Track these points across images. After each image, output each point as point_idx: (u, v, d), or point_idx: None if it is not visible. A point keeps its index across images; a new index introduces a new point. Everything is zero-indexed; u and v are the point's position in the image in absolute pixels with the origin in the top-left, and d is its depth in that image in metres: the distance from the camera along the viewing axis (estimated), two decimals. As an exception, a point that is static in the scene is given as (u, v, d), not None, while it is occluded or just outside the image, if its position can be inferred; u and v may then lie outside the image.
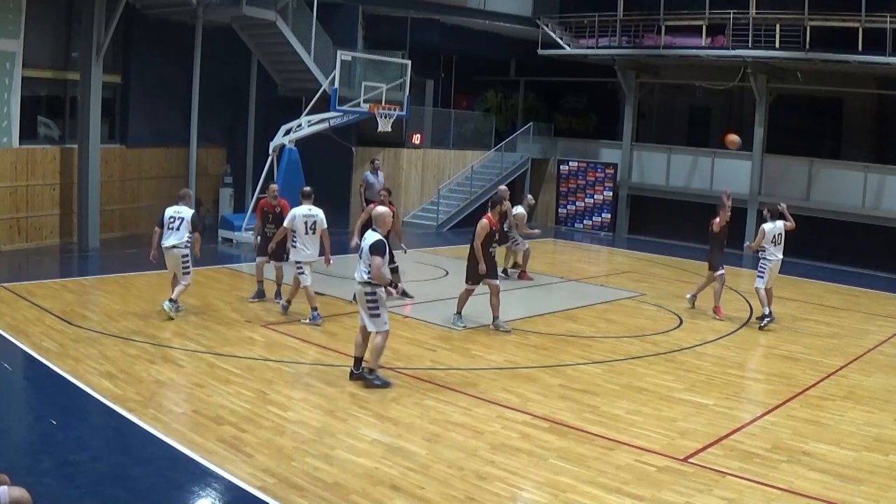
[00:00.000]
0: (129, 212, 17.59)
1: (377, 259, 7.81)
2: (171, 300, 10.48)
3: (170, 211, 10.59)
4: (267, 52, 18.75)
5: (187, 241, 10.43)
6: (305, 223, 10.63)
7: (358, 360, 8.27)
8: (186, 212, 10.54)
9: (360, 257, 8.09)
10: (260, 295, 11.78)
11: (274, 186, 12.14)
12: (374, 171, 17.26)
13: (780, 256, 11.83)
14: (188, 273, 10.56)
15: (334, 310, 11.57)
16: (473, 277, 10.58)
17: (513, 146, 23.70)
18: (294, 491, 5.78)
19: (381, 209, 8.66)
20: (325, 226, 10.77)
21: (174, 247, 10.42)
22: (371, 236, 8.07)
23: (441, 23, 22.15)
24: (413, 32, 21.32)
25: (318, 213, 10.77)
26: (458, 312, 10.89)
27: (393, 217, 11.55)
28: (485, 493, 5.91)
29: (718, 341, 10.99)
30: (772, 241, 11.70)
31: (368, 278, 7.94)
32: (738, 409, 8.15)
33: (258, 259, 11.80)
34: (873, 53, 17.19)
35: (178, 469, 6.12)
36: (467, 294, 10.82)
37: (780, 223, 11.81)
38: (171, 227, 10.47)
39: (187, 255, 10.47)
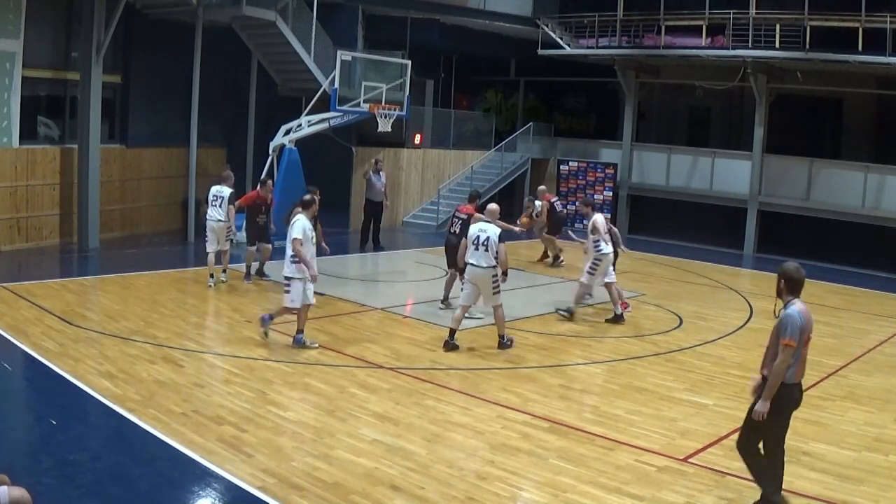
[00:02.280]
0: (129, 212, 17.58)
1: (504, 247, 9.57)
2: (223, 271, 12.82)
3: (213, 190, 12.64)
4: (267, 52, 18.74)
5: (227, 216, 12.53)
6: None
7: (453, 332, 9.72)
8: (226, 191, 12.47)
9: (481, 245, 9.52)
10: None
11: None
12: (377, 171, 17.28)
13: (612, 249, 11.74)
14: (230, 240, 12.80)
15: (335, 310, 11.57)
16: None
17: (513, 146, 23.69)
18: (294, 491, 5.78)
19: (492, 205, 10.12)
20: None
21: (218, 220, 12.44)
22: (493, 228, 9.62)
23: (441, 23, 22.14)
24: (413, 32, 21.30)
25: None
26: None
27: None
28: (485, 493, 5.91)
29: (718, 341, 10.99)
30: (607, 233, 11.62)
31: (496, 263, 9.52)
32: (738, 409, 8.10)
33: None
34: (873, 53, 17.17)
35: (178, 469, 6.13)
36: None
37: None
38: (213, 204, 12.48)
39: (230, 226, 12.61)
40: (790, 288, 5.73)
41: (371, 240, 17.45)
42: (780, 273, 5.77)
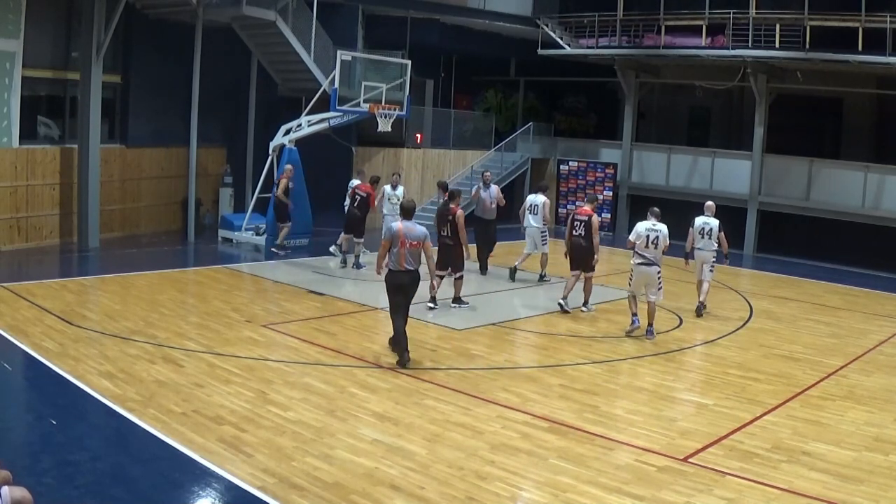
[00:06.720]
0: (129, 212, 17.58)
1: (723, 234, 12.25)
2: (336, 244, 15.30)
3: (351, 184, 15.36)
4: (267, 52, 18.73)
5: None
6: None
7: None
8: (354, 182, 15.14)
9: (707, 234, 12.20)
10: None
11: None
12: (486, 184, 15.40)
13: None
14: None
15: (335, 310, 11.58)
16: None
17: (513, 146, 23.66)
18: (294, 491, 5.78)
19: (710, 202, 12.70)
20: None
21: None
22: (714, 221, 12.26)
23: (441, 23, 22.12)
24: (413, 32, 21.30)
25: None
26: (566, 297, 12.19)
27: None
28: (485, 493, 5.91)
29: (718, 341, 10.99)
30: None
31: (717, 247, 12.26)
32: (738, 409, 8.14)
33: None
34: (873, 53, 17.16)
35: (178, 469, 6.12)
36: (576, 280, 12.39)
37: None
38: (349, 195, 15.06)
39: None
40: (402, 213, 9.22)
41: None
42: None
